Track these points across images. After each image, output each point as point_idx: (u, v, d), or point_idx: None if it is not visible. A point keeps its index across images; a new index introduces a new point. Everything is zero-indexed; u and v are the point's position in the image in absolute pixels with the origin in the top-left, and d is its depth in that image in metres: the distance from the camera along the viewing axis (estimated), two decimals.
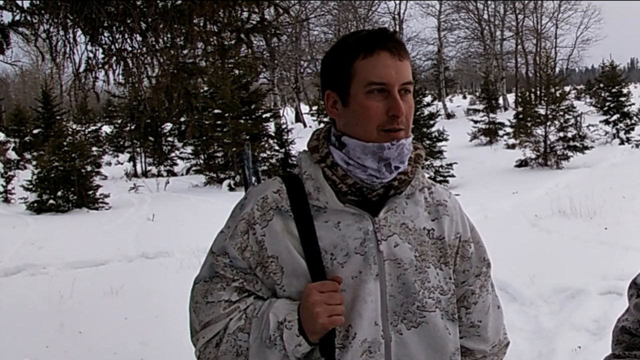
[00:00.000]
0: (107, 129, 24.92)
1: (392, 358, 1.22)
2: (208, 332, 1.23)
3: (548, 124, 14.43)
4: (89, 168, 12.85)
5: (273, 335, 1.16)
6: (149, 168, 20.06)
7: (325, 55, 1.28)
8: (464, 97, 55.44)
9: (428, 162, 12.68)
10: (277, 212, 1.22)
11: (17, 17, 3.84)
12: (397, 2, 37.57)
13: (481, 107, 23.10)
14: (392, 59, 1.18)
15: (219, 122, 15.12)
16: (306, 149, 1.29)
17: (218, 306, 1.22)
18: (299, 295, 1.19)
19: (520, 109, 19.37)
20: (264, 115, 15.94)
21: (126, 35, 3.92)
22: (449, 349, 1.27)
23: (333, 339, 1.18)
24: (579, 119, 16.03)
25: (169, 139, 20.59)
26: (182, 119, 17.75)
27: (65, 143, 12.53)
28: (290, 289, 1.21)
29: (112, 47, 3.93)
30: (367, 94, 1.19)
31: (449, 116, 33.35)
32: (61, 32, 3.75)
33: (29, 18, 3.79)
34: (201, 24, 4.01)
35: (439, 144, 13.79)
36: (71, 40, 3.80)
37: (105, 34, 3.89)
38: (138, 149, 20.51)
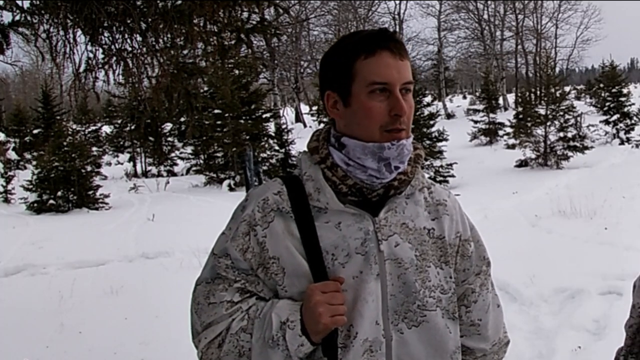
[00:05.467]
0: (107, 129, 24.90)
1: (393, 357, 1.22)
2: (210, 333, 1.23)
3: (548, 124, 14.42)
4: (89, 168, 12.84)
5: (276, 335, 1.17)
6: (149, 168, 20.04)
7: (324, 56, 1.28)
8: (464, 97, 55.44)
9: (428, 162, 12.67)
10: (278, 214, 1.23)
11: (17, 17, 3.84)
12: (397, 2, 37.62)
13: (481, 107, 23.09)
14: (394, 59, 1.19)
15: (219, 122, 15.11)
16: (306, 149, 1.30)
17: (220, 307, 1.23)
18: (300, 295, 1.20)
19: (520, 109, 19.35)
20: (264, 115, 15.92)
21: (126, 35, 3.92)
22: (450, 348, 1.28)
23: (335, 339, 1.19)
24: (579, 119, 16.03)
25: (169, 139, 20.58)
26: (182, 119, 17.77)
27: (65, 143, 12.53)
28: (292, 290, 1.21)
29: (112, 47, 3.92)
30: (369, 94, 1.19)
31: (449, 116, 33.32)
32: (61, 32, 3.75)
33: (29, 18, 3.79)
34: (201, 24, 4.01)
35: (439, 144, 13.79)
36: (71, 40, 3.80)
37: (105, 34, 3.89)
38: (138, 149, 20.50)
